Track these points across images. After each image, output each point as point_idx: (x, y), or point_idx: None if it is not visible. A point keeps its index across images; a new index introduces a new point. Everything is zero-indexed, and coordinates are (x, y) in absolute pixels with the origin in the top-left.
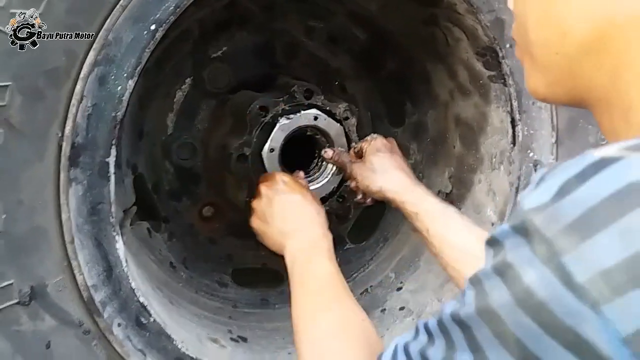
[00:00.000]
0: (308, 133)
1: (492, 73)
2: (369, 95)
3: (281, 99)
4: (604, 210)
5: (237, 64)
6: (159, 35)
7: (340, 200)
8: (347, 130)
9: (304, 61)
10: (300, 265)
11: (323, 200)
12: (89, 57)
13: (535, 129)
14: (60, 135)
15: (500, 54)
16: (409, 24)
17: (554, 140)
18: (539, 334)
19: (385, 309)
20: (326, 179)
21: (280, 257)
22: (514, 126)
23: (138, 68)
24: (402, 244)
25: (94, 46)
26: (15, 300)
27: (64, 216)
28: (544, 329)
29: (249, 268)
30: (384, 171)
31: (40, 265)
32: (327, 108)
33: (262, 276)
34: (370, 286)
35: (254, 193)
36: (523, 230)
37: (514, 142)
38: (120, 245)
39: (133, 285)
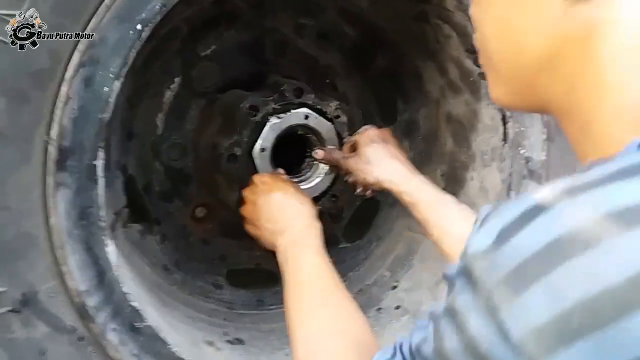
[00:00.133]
0: (299, 132)
1: (482, 70)
2: (360, 93)
3: (271, 97)
4: (534, 264)
5: (227, 63)
6: (145, 35)
7: (334, 199)
8: (338, 128)
9: (294, 59)
10: (290, 263)
11: (316, 200)
12: (73, 58)
13: (526, 126)
14: (46, 138)
15: None
16: (400, 21)
17: (545, 137)
18: None
19: (381, 308)
20: (318, 178)
21: (275, 256)
22: (504, 123)
23: (124, 69)
24: (396, 243)
25: (79, 47)
26: (7, 308)
27: (52, 221)
28: None
29: (244, 269)
30: (378, 162)
31: (30, 271)
32: (318, 107)
33: (256, 277)
34: (366, 285)
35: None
36: (468, 274)
37: (505, 139)
38: (111, 249)
39: (125, 289)
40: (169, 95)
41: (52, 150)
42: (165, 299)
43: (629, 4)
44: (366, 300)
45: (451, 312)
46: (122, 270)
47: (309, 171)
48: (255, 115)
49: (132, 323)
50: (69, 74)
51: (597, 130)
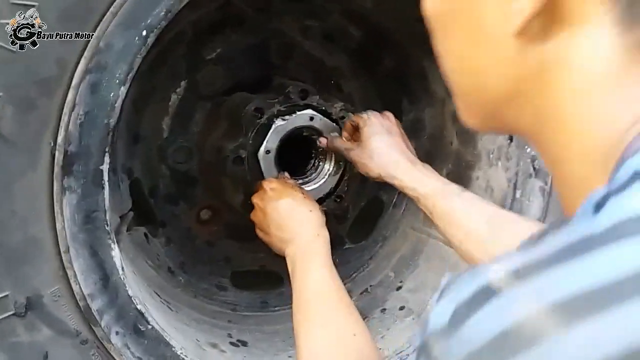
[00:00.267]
0: (304, 134)
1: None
2: (366, 94)
3: (276, 100)
4: (484, 356)
5: (232, 66)
6: (150, 40)
7: (338, 200)
8: (338, 123)
9: (300, 61)
10: (297, 276)
11: (320, 201)
12: (80, 65)
13: None
14: (52, 144)
15: None
16: (405, 21)
17: None
18: None
19: (385, 309)
20: (323, 180)
21: (279, 258)
22: None
23: (130, 74)
24: (401, 243)
25: (85, 54)
26: (11, 312)
27: (58, 225)
28: None
29: (248, 271)
30: (381, 156)
31: (35, 275)
32: (323, 108)
33: (261, 278)
34: (370, 286)
35: (250, 196)
36: (427, 354)
37: (511, 138)
38: (116, 253)
39: (130, 292)
40: (174, 98)
41: (59, 156)
42: (170, 301)
43: (586, 43)
44: (370, 300)
45: None
46: (127, 273)
47: (314, 172)
48: (260, 118)
49: (136, 326)
50: (75, 80)
51: (566, 169)
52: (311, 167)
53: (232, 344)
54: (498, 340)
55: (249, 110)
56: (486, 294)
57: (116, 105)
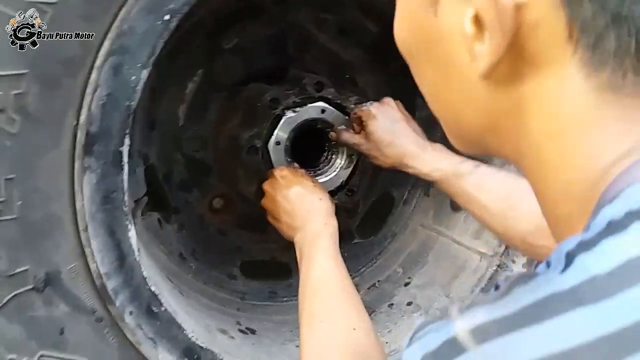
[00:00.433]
0: (318, 126)
1: None
2: (380, 89)
3: (292, 91)
4: None
5: (249, 56)
6: (172, 25)
7: (350, 194)
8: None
9: (315, 54)
10: (304, 263)
11: (332, 194)
12: (103, 46)
13: None
14: (75, 123)
15: None
16: None
17: None
18: None
19: (392, 304)
20: (335, 172)
21: (289, 249)
22: None
23: (152, 58)
24: (410, 240)
25: (109, 35)
26: (30, 286)
27: (78, 204)
28: None
29: (258, 260)
30: (390, 146)
31: (54, 251)
32: (337, 101)
33: (270, 269)
34: (378, 281)
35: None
36: None
37: None
38: (132, 234)
39: (145, 274)
40: (191, 87)
41: (81, 135)
42: (181, 286)
43: (555, 86)
44: (378, 295)
45: None
46: (142, 255)
47: (326, 165)
48: (276, 108)
49: (149, 307)
50: (98, 62)
51: (549, 203)
52: (324, 160)
53: (240, 331)
54: None
55: (264, 101)
56: (452, 348)
57: (137, 88)
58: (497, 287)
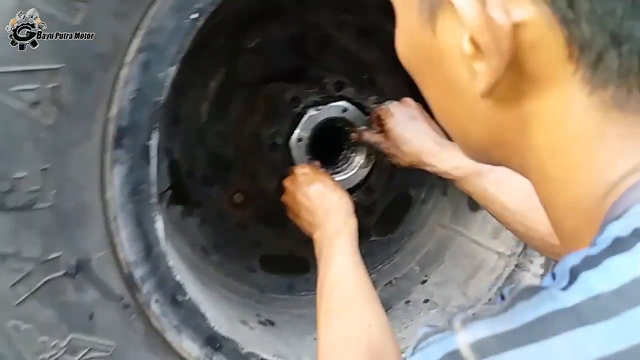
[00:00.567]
0: (337, 125)
1: None
2: (398, 89)
3: (312, 90)
4: None
5: (270, 56)
6: (199, 23)
7: (368, 192)
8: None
9: (335, 54)
10: (322, 261)
11: (349, 192)
12: (133, 43)
13: None
14: (106, 117)
15: None
16: None
17: None
18: None
19: (409, 301)
20: (353, 171)
21: (307, 244)
22: None
23: (179, 55)
24: (427, 239)
25: (139, 33)
26: (63, 272)
27: (108, 194)
28: None
29: (277, 255)
30: (409, 144)
31: (85, 240)
32: (357, 100)
33: (288, 263)
34: (395, 278)
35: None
36: None
37: None
38: (159, 225)
39: (170, 263)
40: (213, 85)
41: (111, 129)
42: (203, 278)
43: (557, 104)
44: (395, 292)
45: None
46: (168, 245)
47: (345, 163)
48: (297, 107)
49: (174, 296)
50: (128, 58)
51: (553, 215)
52: (342, 158)
53: (260, 322)
54: None
55: (285, 99)
56: None
57: (165, 84)
58: (502, 297)
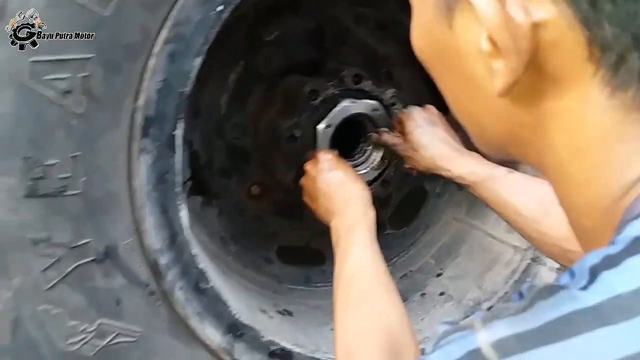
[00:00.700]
0: (359, 119)
1: None
2: (415, 84)
3: (331, 83)
4: None
5: (289, 49)
6: (224, 16)
7: (384, 184)
8: (393, 116)
9: (353, 48)
10: (339, 250)
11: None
12: (161, 34)
13: None
14: (134, 106)
15: None
16: None
17: None
18: None
19: (425, 293)
20: (370, 165)
21: (323, 237)
22: None
23: (205, 47)
24: (443, 232)
25: (167, 24)
26: (92, 258)
27: (135, 183)
28: None
29: (293, 246)
30: (426, 148)
31: (113, 227)
32: (375, 94)
33: (305, 255)
34: (410, 271)
35: (299, 176)
36: None
37: None
38: (184, 214)
39: (194, 252)
40: (233, 77)
41: (138, 118)
42: (222, 267)
43: (577, 104)
44: (410, 285)
45: None
46: (191, 234)
47: (362, 156)
48: (315, 99)
49: (197, 283)
50: (156, 49)
51: (571, 214)
52: (360, 151)
53: (278, 312)
54: None
55: (304, 92)
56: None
57: (191, 75)
58: (520, 295)
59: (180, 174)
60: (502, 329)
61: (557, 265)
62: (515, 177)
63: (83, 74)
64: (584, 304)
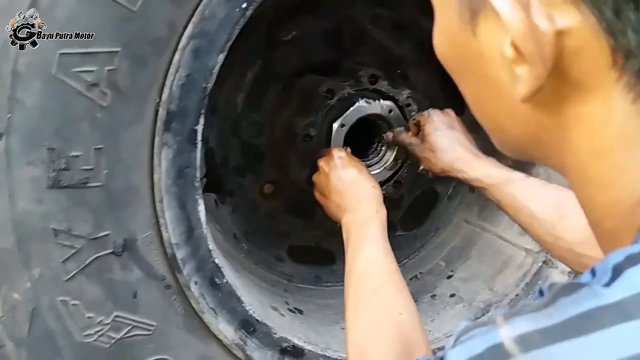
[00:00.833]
0: (374, 120)
1: None
2: (430, 85)
3: (347, 83)
4: None
5: (306, 48)
6: (248, 13)
7: (396, 185)
8: (408, 117)
9: (369, 48)
10: (350, 247)
11: (379, 185)
12: (187, 29)
13: None
14: (157, 100)
15: None
16: None
17: None
18: None
19: (435, 295)
20: (384, 165)
21: (334, 237)
22: None
23: (228, 43)
24: (453, 234)
25: (193, 20)
26: (110, 250)
27: (155, 176)
28: None
29: (304, 246)
30: (443, 151)
31: (132, 219)
32: (391, 94)
33: (315, 255)
34: (420, 272)
35: (313, 175)
36: None
37: None
38: (202, 209)
39: (211, 247)
40: (250, 76)
41: (161, 112)
42: (235, 265)
43: (600, 109)
44: (420, 286)
45: None
46: (208, 229)
47: (375, 157)
48: (331, 99)
49: (212, 278)
50: (182, 43)
51: (592, 215)
52: (373, 151)
53: (289, 310)
54: None
55: (320, 92)
56: (498, 354)
57: (214, 71)
58: (541, 293)
59: (199, 169)
60: (524, 324)
61: (568, 269)
62: (531, 181)
63: (110, 67)
64: (607, 300)
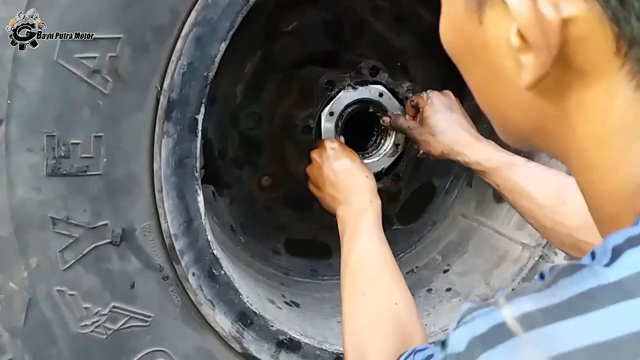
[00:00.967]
0: (370, 110)
1: None
2: (429, 77)
3: (348, 74)
4: None
5: (306, 39)
6: (252, 1)
7: (394, 178)
8: (403, 101)
9: (369, 40)
10: (346, 238)
11: (377, 178)
12: (190, 17)
13: None
14: (159, 89)
15: None
16: None
17: None
18: None
19: (431, 289)
20: (384, 153)
21: (330, 230)
22: None
23: (230, 32)
24: (450, 229)
25: (196, 7)
26: (108, 240)
27: (155, 166)
28: None
29: (301, 239)
30: (443, 133)
31: (131, 209)
32: (391, 86)
33: (312, 248)
34: (416, 267)
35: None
36: None
37: None
38: (201, 199)
39: (209, 237)
40: (249, 67)
41: (163, 100)
42: (232, 257)
43: (603, 96)
44: (416, 280)
45: None
46: (206, 220)
47: (374, 149)
48: (331, 90)
49: (210, 270)
50: (184, 31)
51: (592, 201)
52: (372, 144)
53: (286, 303)
54: None
55: (320, 83)
56: (501, 333)
57: (216, 59)
58: (542, 276)
59: (199, 159)
60: (527, 304)
61: (569, 262)
62: (532, 166)
63: (111, 54)
64: (607, 280)
